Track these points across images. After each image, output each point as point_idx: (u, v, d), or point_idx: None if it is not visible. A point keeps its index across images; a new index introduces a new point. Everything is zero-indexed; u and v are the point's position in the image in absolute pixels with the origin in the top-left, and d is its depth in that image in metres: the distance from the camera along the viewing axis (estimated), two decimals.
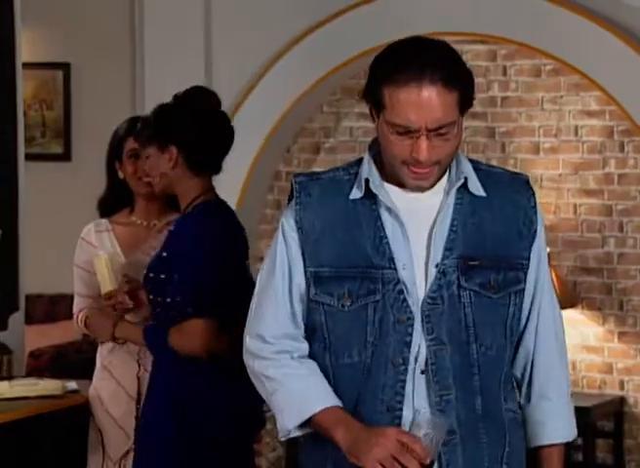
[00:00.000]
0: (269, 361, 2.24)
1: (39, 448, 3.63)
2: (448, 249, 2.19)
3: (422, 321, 2.17)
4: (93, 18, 6.18)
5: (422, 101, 2.11)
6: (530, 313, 2.29)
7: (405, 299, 2.17)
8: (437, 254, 2.18)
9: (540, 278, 2.28)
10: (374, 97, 2.16)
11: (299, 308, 2.24)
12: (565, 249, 5.57)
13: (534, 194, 2.27)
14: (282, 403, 2.22)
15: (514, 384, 2.31)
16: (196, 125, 3.21)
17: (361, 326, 2.19)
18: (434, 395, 2.18)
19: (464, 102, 2.16)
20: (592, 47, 5.07)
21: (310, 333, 2.25)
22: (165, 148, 3.21)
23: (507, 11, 5.21)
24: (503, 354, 2.24)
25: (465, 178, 2.21)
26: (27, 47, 5.06)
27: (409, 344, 2.17)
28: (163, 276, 3.15)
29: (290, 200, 2.27)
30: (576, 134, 5.56)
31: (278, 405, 2.23)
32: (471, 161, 2.25)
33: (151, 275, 3.18)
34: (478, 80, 5.63)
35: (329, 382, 2.23)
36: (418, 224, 2.19)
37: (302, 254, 2.22)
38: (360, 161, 2.25)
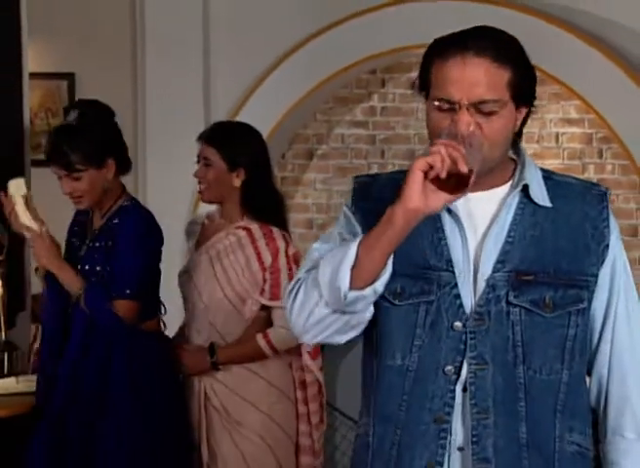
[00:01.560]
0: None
1: None
2: (500, 261, 1.94)
3: (466, 336, 1.94)
4: (96, 30, 6.16)
5: (465, 73, 1.90)
6: (600, 338, 2.01)
7: (462, 305, 1.94)
8: (487, 267, 1.95)
9: (614, 299, 2.00)
10: (424, 81, 1.96)
11: None
12: None
13: (607, 207, 2.01)
14: (323, 274, 1.90)
15: (590, 416, 2.03)
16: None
17: (409, 327, 1.96)
18: (471, 418, 1.93)
19: (518, 85, 1.93)
20: (572, 58, 5.06)
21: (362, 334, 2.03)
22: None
23: (492, 24, 5.18)
24: (558, 379, 1.96)
25: (526, 185, 1.97)
26: (33, 58, 5.04)
27: (462, 353, 1.94)
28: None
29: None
30: (557, 141, 5.56)
31: (323, 278, 1.89)
32: (544, 170, 2.04)
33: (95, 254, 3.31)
34: None
35: (373, 384, 2.01)
36: (474, 230, 1.97)
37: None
38: None
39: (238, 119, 5.38)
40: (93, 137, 3.33)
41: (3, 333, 3.97)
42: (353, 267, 1.86)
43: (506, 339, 1.93)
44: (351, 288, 1.86)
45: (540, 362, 1.94)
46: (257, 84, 5.59)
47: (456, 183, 1.82)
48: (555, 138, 5.56)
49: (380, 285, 1.88)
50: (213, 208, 3.57)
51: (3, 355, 3.96)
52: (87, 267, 3.32)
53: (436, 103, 1.92)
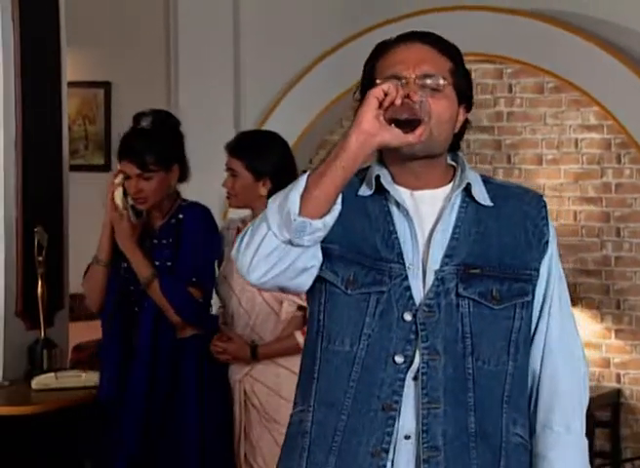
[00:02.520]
0: None
1: (82, 435, 3.65)
2: (448, 256, 1.93)
3: (417, 328, 1.90)
4: (131, 41, 6.21)
5: (411, 53, 1.95)
6: (536, 332, 2.00)
7: (412, 297, 1.92)
8: (436, 261, 1.93)
9: (549, 294, 2.00)
10: (368, 80, 1.97)
11: None
12: (566, 252, 5.55)
13: (545, 207, 2.04)
14: (271, 206, 1.86)
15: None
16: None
17: (359, 315, 1.92)
18: (421, 407, 1.89)
19: (458, 80, 1.95)
20: (591, 66, 5.06)
21: (308, 319, 2.01)
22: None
23: (513, 33, 5.21)
24: (504, 370, 1.94)
25: (469, 185, 1.97)
26: (71, 67, 5.08)
27: (412, 343, 1.91)
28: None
29: None
30: (576, 146, 5.55)
31: (272, 207, 1.85)
32: (482, 175, 2.03)
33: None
34: (485, 96, 5.64)
35: (317, 368, 1.95)
36: (421, 226, 1.96)
37: None
38: (368, 167, 2.01)
39: (266, 126, 5.42)
40: (165, 142, 3.41)
41: (42, 331, 4.01)
42: (303, 196, 1.82)
43: (456, 331, 1.91)
44: (301, 214, 1.82)
45: (489, 353, 1.92)
46: (285, 91, 5.62)
47: (405, 131, 1.84)
48: (575, 144, 5.55)
49: (330, 218, 1.84)
50: (242, 212, 3.59)
51: (42, 352, 4.00)
52: (157, 263, 3.37)
53: (383, 82, 1.90)
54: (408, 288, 1.92)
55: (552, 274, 2.00)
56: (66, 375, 3.79)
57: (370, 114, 1.83)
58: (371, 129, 1.83)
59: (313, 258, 1.90)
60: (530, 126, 5.63)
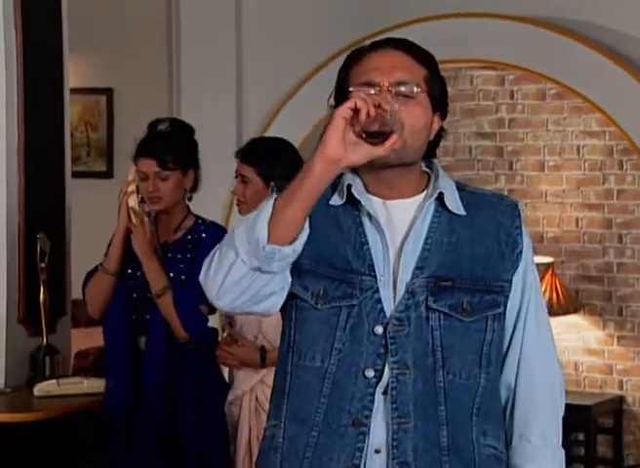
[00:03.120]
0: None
1: (84, 442, 3.65)
2: (419, 267, 1.90)
3: (387, 342, 1.87)
4: (133, 47, 6.22)
5: (384, 61, 1.90)
6: (510, 343, 1.96)
7: (383, 309, 1.88)
8: (407, 273, 1.89)
9: (524, 305, 1.96)
10: (341, 88, 1.93)
11: None
12: (568, 258, 5.55)
13: (519, 216, 1.97)
14: (239, 233, 1.83)
15: (503, 419, 1.98)
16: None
17: (330, 330, 1.89)
18: (391, 422, 1.86)
19: (433, 87, 1.91)
20: (593, 73, 5.06)
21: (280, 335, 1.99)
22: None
23: (515, 40, 5.21)
24: (476, 383, 1.91)
25: (441, 194, 1.92)
26: (74, 74, 5.09)
27: (382, 357, 1.87)
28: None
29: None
30: (578, 152, 5.55)
31: (240, 236, 1.82)
32: (457, 182, 1.99)
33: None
34: (487, 103, 5.64)
35: (287, 384, 1.93)
36: (393, 237, 1.91)
37: None
38: (342, 174, 1.95)
39: (268, 133, 5.42)
40: (184, 144, 3.44)
41: (45, 338, 4.01)
42: (271, 222, 1.79)
43: (426, 344, 1.88)
44: (269, 242, 1.79)
45: (460, 366, 1.89)
46: (286, 99, 5.62)
47: (375, 143, 1.78)
48: (577, 150, 5.55)
49: (299, 244, 1.82)
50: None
51: (44, 358, 4.00)
52: (171, 275, 3.36)
53: (357, 89, 1.88)
54: (379, 300, 1.89)
55: (527, 284, 1.96)
56: (68, 382, 3.79)
57: (335, 138, 1.77)
58: (335, 154, 1.78)
59: (282, 282, 1.88)
60: (532, 132, 5.63)
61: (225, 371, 3.56)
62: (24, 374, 4.00)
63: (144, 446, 3.33)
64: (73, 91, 4.80)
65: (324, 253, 1.90)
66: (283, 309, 1.95)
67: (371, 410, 1.87)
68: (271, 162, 3.36)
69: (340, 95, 1.92)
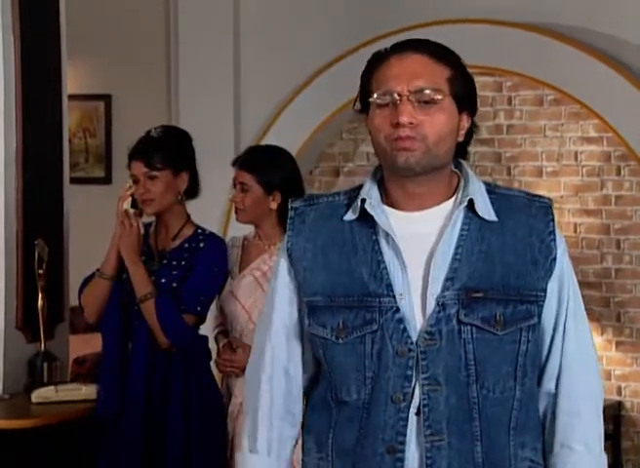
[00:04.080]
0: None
1: (82, 448, 3.64)
2: (449, 279, 1.83)
3: (418, 358, 1.82)
4: (132, 54, 6.22)
5: (404, 66, 1.85)
6: (550, 352, 1.91)
7: (405, 329, 1.83)
8: (437, 285, 1.83)
9: (562, 311, 1.90)
10: (364, 93, 1.88)
11: (298, 347, 1.95)
12: None
13: (553, 220, 1.89)
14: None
15: (540, 429, 1.93)
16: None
17: (358, 360, 1.85)
18: (425, 440, 1.82)
19: (458, 86, 1.88)
20: (591, 79, 5.07)
21: (316, 368, 1.94)
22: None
23: (512, 46, 5.22)
24: (511, 397, 1.86)
25: (471, 200, 1.86)
26: (72, 80, 5.09)
27: (410, 379, 1.82)
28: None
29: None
30: (576, 158, 5.56)
31: None
32: (487, 184, 1.92)
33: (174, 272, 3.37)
34: (485, 109, 5.64)
35: (332, 419, 1.91)
36: (417, 250, 1.85)
37: (297, 284, 1.91)
38: (361, 186, 1.94)
39: (266, 138, 5.43)
40: (173, 145, 3.44)
41: (43, 344, 4.01)
42: None
43: (459, 358, 1.83)
44: None
45: (494, 380, 1.84)
46: (284, 104, 5.63)
47: None
48: (574, 156, 5.56)
49: None
50: (244, 228, 3.59)
51: (42, 365, 3.99)
52: (163, 280, 3.38)
53: (377, 99, 1.84)
54: (400, 320, 1.84)
55: (564, 290, 1.90)
56: (67, 389, 3.78)
57: None
58: None
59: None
60: (530, 138, 5.64)
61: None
62: (22, 381, 3.99)
63: (129, 455, 3.32)
64: (71, 97, 4.79)
65: (339, 281, 1.86)
66: (311, 348, 1.92)
67: (404, 435, 1.83)
68: (270, 169, 3.38)
69: (365, 99, 1.89)
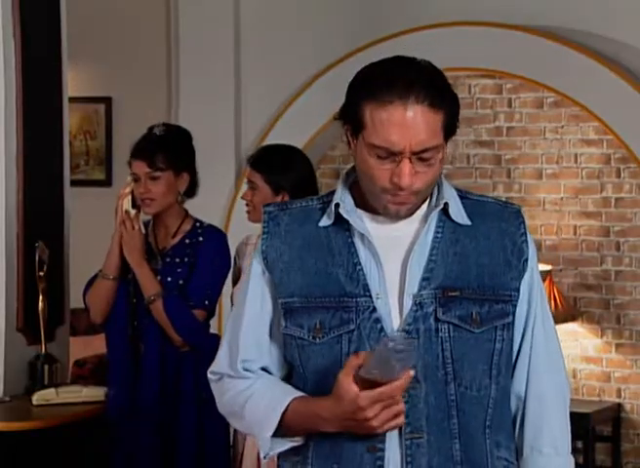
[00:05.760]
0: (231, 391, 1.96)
1: (83, 450, 3.64)
2: (426, 279, 1.86)
3: None
4: (132, 56, 6.23)
5: (407, 121, 1.79)
6: (519, 352, 1.94)
7: (382, 328, 1.84)
8: (413, 285, 1.85)
9: (532, 313, 1.93)
10: (353, 116, 1.86)
11: (267, 343, 1.93)
12: (566, 267, 5.55)
13: (524, 223, 1.94)
14: (251, 416, 1.90)
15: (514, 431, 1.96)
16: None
17: (335, 360, 1.84)
18: (404, 437, 1.83)
19: (449, 126, 1.84)
20: (591, 81, 5.07)
21: (290, 370, 1.94)
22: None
23: (512, 48, 5.22)
24: (487, 395, 1.88)
25: (446, 204, 1.89)
26: (72, 83, 5.10)
27: None
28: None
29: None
30: (576, 161, 5.55)
31: (250, 421, 1.91)
32: (460, 190, 1.96)
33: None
34: (485, 111, 5.64)
35: None
36: (393, 252, 1.87)
37: (272, 286, 1.91)
38: (333, 192, 1.93)
39: (267, 140, 5.43)
40: (176, 145, 3.44)
41: (43, 346, 4.01)
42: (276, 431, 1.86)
43: (436, 357, 1.84)
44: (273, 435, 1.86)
45: (470, 378, 1.86)
46: (285, 106, 5.63)
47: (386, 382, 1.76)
48: (574, 159, 5.55)
49: (299, 440, 1.88)
50: (243, 230, 3.59)
51: (43, 367, 3.99)
52: (169, 279, 3.38)
53: (376, 149, 1.82)
54: (377, 320, 1.85)
55: (533, 292, 1.94)
56: (67, 391, 3.78)
57: (347, 380, 1.78)
58: (352, 397, 1.77)
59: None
60: (529, 140, 5.63)
61: None
62: (23, 383, 3.99)
63: (145, 457, 3.32)
64: (72, 99, 4.80)
65: (315, 282, 1.87)
66: (287, 350, 1.92)
67: (384, 434, 1.82)
68: (279, 170, 3.37)
69: (351, 116, 1.87)
